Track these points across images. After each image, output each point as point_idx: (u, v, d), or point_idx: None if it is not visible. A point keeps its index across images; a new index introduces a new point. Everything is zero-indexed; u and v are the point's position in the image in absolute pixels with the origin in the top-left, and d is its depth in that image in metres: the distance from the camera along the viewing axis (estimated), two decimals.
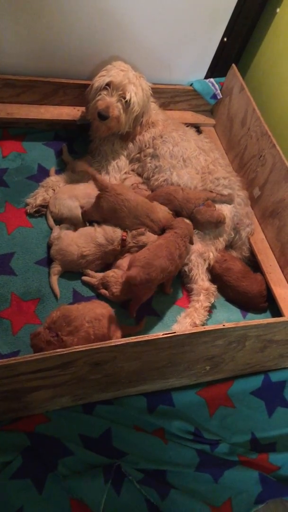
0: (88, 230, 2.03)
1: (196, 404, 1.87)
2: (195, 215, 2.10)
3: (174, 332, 1.49)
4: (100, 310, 1.74)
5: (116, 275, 1.92)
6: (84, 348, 1.38)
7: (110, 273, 1.95)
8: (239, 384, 1.95)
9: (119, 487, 1.63)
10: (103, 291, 1.94)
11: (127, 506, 1.61)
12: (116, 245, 1.99)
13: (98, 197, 2.03)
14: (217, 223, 2.08)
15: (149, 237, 2.00)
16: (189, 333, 1.51)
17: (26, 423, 1.67)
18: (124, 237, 1.99)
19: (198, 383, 1.90)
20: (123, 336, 1.81)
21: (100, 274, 1.99)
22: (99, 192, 2.03)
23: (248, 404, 1.93)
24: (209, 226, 2.10)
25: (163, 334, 1.48)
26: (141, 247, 1.98)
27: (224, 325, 1.56)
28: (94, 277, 1.99)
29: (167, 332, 1.49)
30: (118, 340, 1.42)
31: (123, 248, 2.01)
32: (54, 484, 1.58)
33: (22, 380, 1.41)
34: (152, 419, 1.79)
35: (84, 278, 2.01)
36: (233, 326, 1.56)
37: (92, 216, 2.07)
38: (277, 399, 1.97)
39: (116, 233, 2.00)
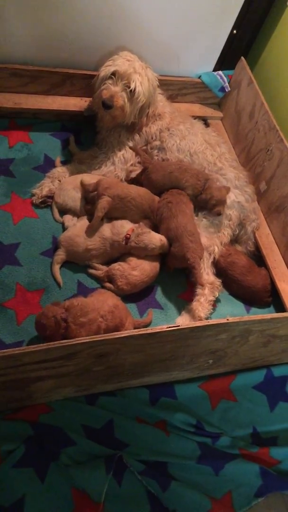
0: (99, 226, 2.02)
1: (199, 397, 1.88)
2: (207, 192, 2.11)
3: (178, 326, 1.49)
4: (112, 300, 1.75)
5: (121, 268, 1.93)
6: (88, 340, 1.38)
7: (116, 266, 1.95)
8: (241, 378, 1.95)
9: (121, 477, 1.64)
10: (108, 284, 1.95)
11: (128, 496, 1.63)
12: (121, 239, 1.97)
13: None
14: (220, 204, 2.08)
15: (151, 238, 1.97)
16: (193, 327, 1.52)
17: (29, 413, 1.68)
18: (128, 236, 1.97)
19: (201, 377, 1.91)
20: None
21: (106, 267, 1.99)
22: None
23: (250, 398, 1.94)
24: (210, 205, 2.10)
25: (167, 327, 1.49)
26: (140, 249, 1.97)
27: (228, 320, 1.56)
28: (100, 269, 1.99)
29: (171, 326, 1.49)
30: (121, 332, 1.43)
31: (125, 246, 1.99)
32: (56, 473, 1.59)
33: (26, 370, 1.42)
34: (155, 411, 1.80)
35: (90, 270, 2.01)
36: (237, 320, 1.57)
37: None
38: (279, 394, 1.98)
39: (123, 228, 1.99)
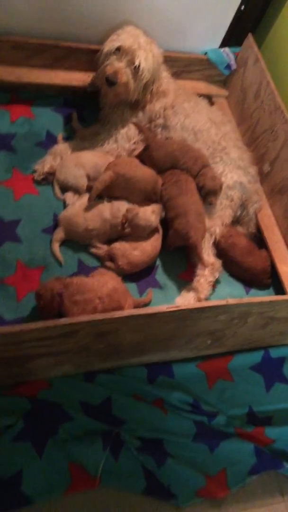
0: (99, 206, 2.00)
1: (196, 377, 1.90)
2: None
3: (178, 307, 1.50)
4: (112, 284, 1.74)
5: (123, 248, 1.92)
6: (88, 319, 1.39)
7: (117, 245, 1.95)
8: (239, 358, 1.97)
9: (117, 453, 1.67)
10: (109, 263, 1.95)
11: (124, 471, 1.66)
12: (118, 222, 1.96)
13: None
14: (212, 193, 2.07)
15: (144, 216, 1.95)
16: (193, 308, 1.53)
17: (28, 388, 1.69)
18: (124, 221, 1.96)
19: (199, 356, 1.92)
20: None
21: (107, 246, 1.99)
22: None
23: (247, 378, 1.96)
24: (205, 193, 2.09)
25: (166, 308, 1.50)
26: (139, 230, 1.97)
27: (227, 302, 1.57)
28: (101, 248, 1.99)
29: (171, 306, 1.50)
30: (121, 312, 1.44)
31: (122, 231, 1.98)
32: (54, 448, 1.62)
33: (25, 347, 1.43)
34: (152, 389, 1.82)
35: (91, 249, 2.00)
36: (236, 302, 1.57)
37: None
38: (276, 375, 2.00)
39: (119, 212, 1.96)
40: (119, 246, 1.93)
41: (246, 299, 1.59)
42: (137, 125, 2.19)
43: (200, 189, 2.07)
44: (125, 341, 1.60)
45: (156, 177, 2.09)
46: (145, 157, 2.15)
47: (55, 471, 1.59)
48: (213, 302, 1.55)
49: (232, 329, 1.76)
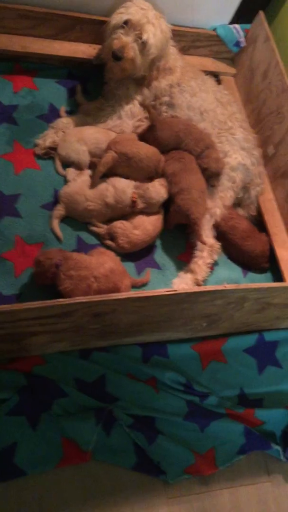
0: (101, 185, 1.97)
1: (190, 357, 1.92)
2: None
3: (175, 290, 1.51)
4: (109, 264, 1.74)
5: (123, 227, 1.92)
6: (85, 300, 1.40)
7: (118, 224, 1.94)
8: (233, 341, 1.98)
9: (109, 429, 1.71)
10: (109, 242, 1.94)
11: (116, 447, 1.70)
12: (126, 206, 1.95)
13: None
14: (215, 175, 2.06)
15: (156, 190, 1.96)
16: (190, 292, 1.53)
17: (23, 363, 1.71)
18: (134, 199, 1.94)
19: (194, 338, 1.94)
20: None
21: (106, 225, 1.98)
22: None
23: (240, 360, 1.98)
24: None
25: (164, 291, 1.50)
26: (152, 206, 1.96)
27: (225, 286, 1.57)
28: (101, 227, 1.98)
29: (169, 290, 1.51)
30: (119, 294, 1.45)
31: (134, 209, 1.97)
32: (47, 422, 1.65)
33: (21, 325, 1.44)
34: (146, 368, 1.84)
35: (91, 227, 2.00)
36: (234, 288, 1.58)
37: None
38: (269, 358, 2.02)
39: (125, 194, 1.94)
40: (120, 225, 1.93)
41: (244, 284, 1.60)
42: (143, 104, 2.16)
43: (203, 170, 2.05)
44: (121, 322, 1.62)
45: (159, 155, 2.07)
46: (149, 137, 2.12)
47: (48, 445, 1.63)
48: (210, 287, 1.56)
49: (228, 313, 1.77)
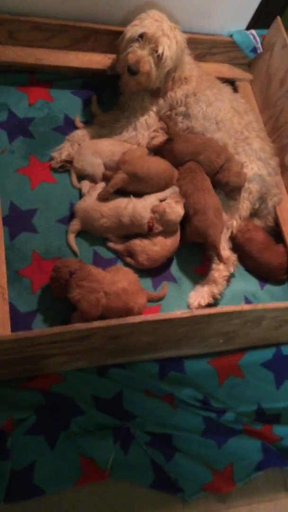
0: (118, 202, 1.95)
1: (207, 373, 1.91)
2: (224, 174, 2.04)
3: (192, 312, 1.50)
4: (123, 284, 1.73)
5: (142, 244, 1.90)
6: (103, 325, 1.40)
7: (136, 241, 1.92)
8: (250, 355, 1.97)
9: (127, 447, 1.72)
10: (129, 259, 1.94)
11: (134, 465, 1.71)
12: (142, 229, 1.93)
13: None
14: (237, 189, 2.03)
15: (174, 211, 1.92)
16: (207, 314, 1.53)
17: (41, 381, 1.73)
18: (151, 224, 1.91)
19: (211, 353, 1.94)
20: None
21: (122, 241, 1.98)
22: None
23: (258, 375, 1.97)
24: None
25: (181, 313, 1.50)
26: (170, 226, 1.94)
27: (242, 307, 1.57)
28: (119, 243, 1.97)
29: (185, 312, 1.50)
30: (135, 317, 1.45)
31: (150, 232, 1.94)
32: (65, 441, 1.67)
33: (40, 349, 1.45)
34: (163, 385, 1.84)
35: (109, 244, 1.99)
36: (251, 308, 1.57)
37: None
38: (286, 372, 2.00)
39: (142, 218, 1.91)
40: (139, 242, 1.91)
41: (261, 305, 1.59)
42: (160, 116, 2.14)
43: (224, 185, 2.01)
44: (138, 342, 1.62)
45: (171, 171, 2.04)
46: (165, 150, 2.10)
47: (66, 464, 1.65)
48: (227, 308, 1.55)
49: (245, 330, 1.76)
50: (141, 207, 1.94)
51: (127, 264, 1.95)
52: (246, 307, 1.56)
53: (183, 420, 1.82)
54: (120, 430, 1.72)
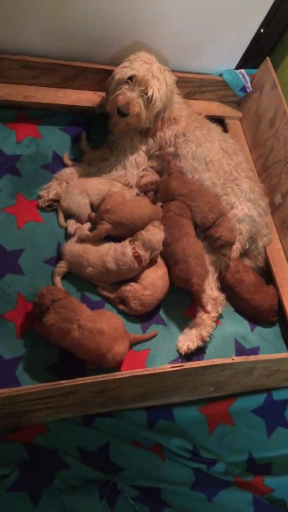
0: (102, 249, 1.91)
1: (197, 421, 1.86)
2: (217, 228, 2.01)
3: (182, 365, 1.45)
4: (102, 326, 1.68)
5: (133, 289, 1.86)
6: (89, 381, 1.35)
7: (127, 287, 1.88)
8: (241, 401, 1.93)
9: (114, 503, 1.64)
10: (121, 306, 1.90)
11: None
12: (131, 266, 1.88)
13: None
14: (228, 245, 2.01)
15: (152, 233, 1.90)
16: (197, 367, 1.48)
17: (25, 433, 1.65)
18: (136, 254, 1.88)
19: (201, 399, 1.88)
20: (130, 345, 1.81)
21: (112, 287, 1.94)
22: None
23: (248, 422, 1.92)
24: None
25: (170, 367, 1.45)
26: (149, 247, 1.90)
27: (233, 359, 1.52)
28: (110, 290, 1.93)
29: (175, 365, 1.46)
30: (123, 372, 1.40)
31: (142, 264, 1.90)
32: (49, 497, 1.59)
33: (23, 405, 1.39)
34: (151, 434, 1.78)
35: (101, 291, 1.94)
36: (242, 360, 1.53)
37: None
38: (278, 419, 1.96)
39: (126, 255, 1.87)
40: (130, 288, 1.87)
41: (252, 357, 1.55)
42: (161, 154, 2.15)
43: (215, 239, 1.99)
44: (125, 394, 1.57)
45: (155, 214, 2.02)
46: (162, 183, 2.10)
47: None
48: (218, 361, 1.51)
49: (236, 379, 1.72)
50: (119, 246, 1.91)
51: (120, 312, 1.91)
52: (237, 359, 1.52)
53: (172, 472, 1.75)
54: (106, 485, 1.65)
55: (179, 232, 1.96)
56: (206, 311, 1.92)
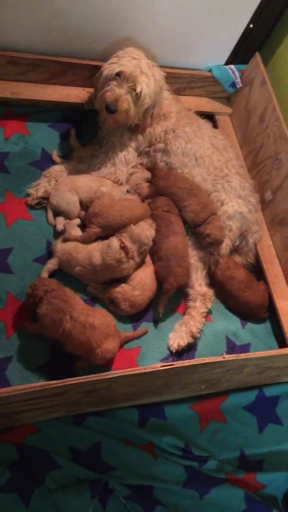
0: (91, 247, 1.89)
1: (188, 418, 1.85)
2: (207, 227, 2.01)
3: (172, 364, 1.45)
4: (94, 320, 1.67)
5: (123, 291, 1.84)
6: (79, 381, 1.34)
7: (117, 289, 1.86)
8: (232, 398, 1.92)
9: (105, 502, 1.64)
10: (113, 307, 1.88)
11: None
12: (118, 258, 1.84)
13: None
14: (216, 244, 2.01)
15: (140, 228, 1.89)
16: (188, 365, 1.47)
17: (15, 434, 1.65)
18: (123, 244, 1.85)
19: (192, 397, 1.88)
20: (121, 344, 1.80)
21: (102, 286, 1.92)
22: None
23: (240, 419, 1.92)
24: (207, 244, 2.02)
25: (160, 366, 1.44)
26: (139, 241, 1.88)
27: (224, 357, 1.52)
28: (99, 289, 1.91)
29: (165, 364, 1.45)
30: (114, 372, 1.39)
31: (128, 256, 1.86)
32: (40, 498, 1.58)
33: (12, 406, 1.38)
34: (143, 433, 1.77)
35: (91, 290, 1.92)
36: (233, 358, 1.52)
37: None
38: (269, 415, 1.96)
39: (111, 247, 1.85)
40: (119, 289, 1.85)
41: (244, 354, 1.54)
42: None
43: (204, 236, 1.98)
44: (117, 393, 1.56)
45: (144, 214, 2.01)
46: (152, 182, 2.12)
47: None
48: (209, 359, 1.50)
49: (227, 377, 1.71)
50: (107, 240, 1.91)
51: (112, 312, 1.89)
52: (228, 357, 1.51)
53: (164, 470, 1.75)
54: (98, 484, 1.64)
55: (166, 230, 1.96)
56: (159, 312, 1.91)
